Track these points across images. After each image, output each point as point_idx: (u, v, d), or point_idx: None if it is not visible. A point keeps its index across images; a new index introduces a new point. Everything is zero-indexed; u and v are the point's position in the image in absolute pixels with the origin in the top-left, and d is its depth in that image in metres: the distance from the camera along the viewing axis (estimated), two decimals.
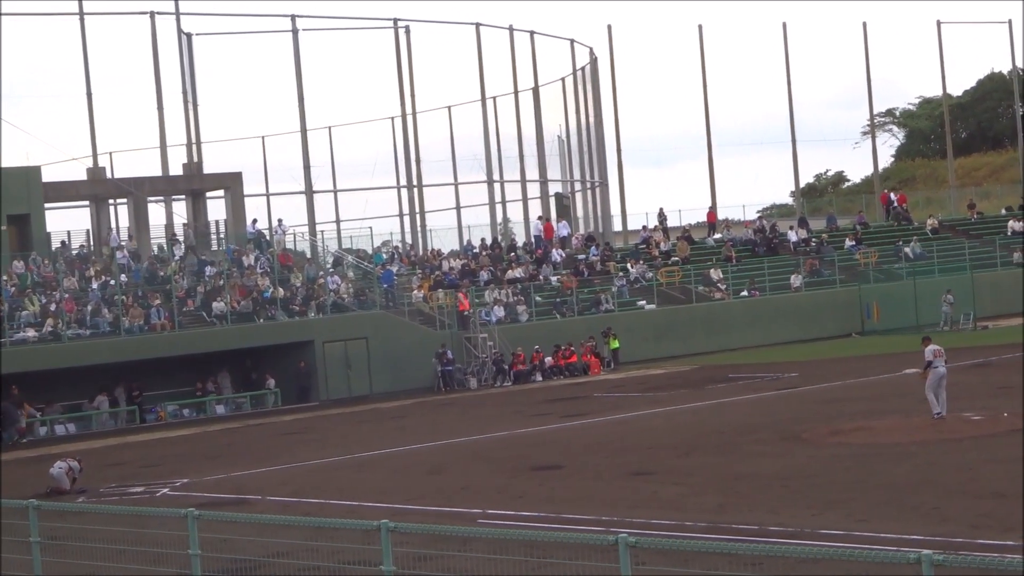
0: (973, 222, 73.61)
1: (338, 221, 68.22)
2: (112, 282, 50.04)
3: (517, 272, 59.56)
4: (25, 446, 42.04)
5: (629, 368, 53.20)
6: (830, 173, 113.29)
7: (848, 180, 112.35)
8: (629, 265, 62.33)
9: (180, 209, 59.39)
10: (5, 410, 43.45)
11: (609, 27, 73.06)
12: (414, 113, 66.05)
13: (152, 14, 58.60)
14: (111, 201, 59.23)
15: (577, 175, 74.25)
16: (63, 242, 55.15)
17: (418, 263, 60.98)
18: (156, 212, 59.65)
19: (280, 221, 59.85)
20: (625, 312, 57.81)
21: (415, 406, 45.85)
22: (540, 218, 67.18)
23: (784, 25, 75.63)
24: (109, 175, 59.22)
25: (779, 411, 34.48)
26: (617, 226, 74.18)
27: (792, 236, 68.25)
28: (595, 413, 38.19)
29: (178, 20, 59.34)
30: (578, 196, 75.30)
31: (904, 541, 17.32)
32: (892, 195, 75.96)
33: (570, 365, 52.66)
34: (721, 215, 73.06)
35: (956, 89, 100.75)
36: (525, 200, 69.93)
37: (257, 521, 17.23)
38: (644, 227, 69.37)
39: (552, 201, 71.36)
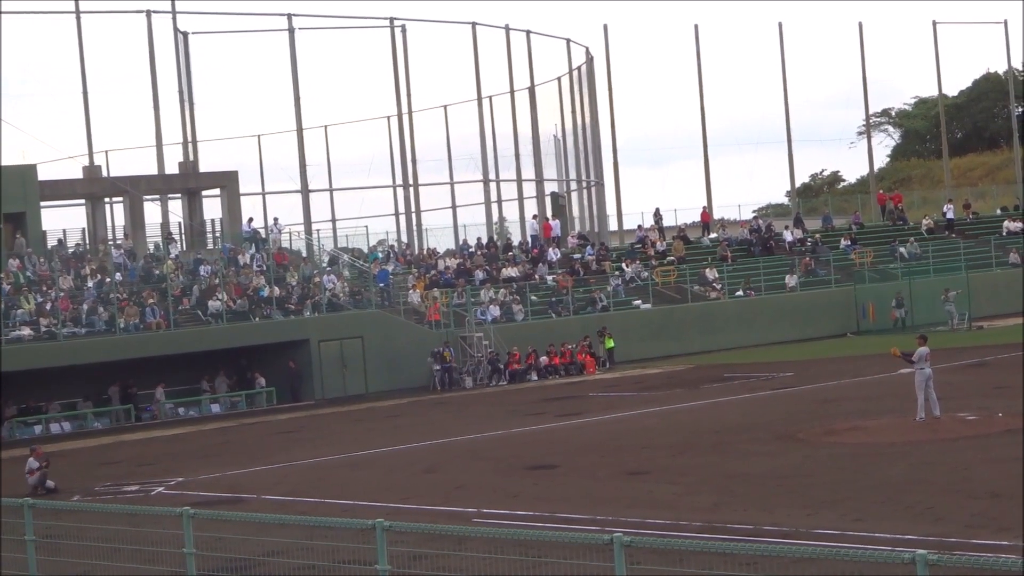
0: (968, 222, 73.64)
1: (334, 220, 68.21)
2: (108, 280, 50.02)
3: (513, 271, 59.56)
4: (20, 443, 41.83)
5: (624, 367, 53.21)
6: (826, 173, 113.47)
7: (844, 180, 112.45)
8: (624, 265, 62.34)
9: (176, 208, 59.40)
10: None
11: (605, 27, 73.08)
12: (410, 112, 66.05)
13: (148, 13, 58.57)
14: (107, 200, 59.21)
15: (573, 175, 74.26)
16: (59, 240, 55.12)
17: (414, 262, 60.96)
18: (152, 211, 59.66)
19: (276, 220, 59.83)
20: (620, 311, 57.81)
21: (410, 405, 45.83)
22: (535, 217, 67.21)
23: (780, 25, 75.73)
24: (105, 174, 59.20)
25: (774, 411, 34.51)
26: (613, 226, 74.16)
27: (788, 236, 68.27)
28: (590, 412, 38.20)
29: (174, 19, 59.35)
30: (574, 196, 75.37)
31: (899, 541, 17.34)
32: (947, 206, 73.58)
33: (566, 364, 52.62)
34: (717, 215, 73.04)
35: (952, 89, 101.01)
36: (521, 199, 69.93)
37: (252, 520, 17.22)
38: (640, 227, 69.41)
39: (548, 200, 71.39)
